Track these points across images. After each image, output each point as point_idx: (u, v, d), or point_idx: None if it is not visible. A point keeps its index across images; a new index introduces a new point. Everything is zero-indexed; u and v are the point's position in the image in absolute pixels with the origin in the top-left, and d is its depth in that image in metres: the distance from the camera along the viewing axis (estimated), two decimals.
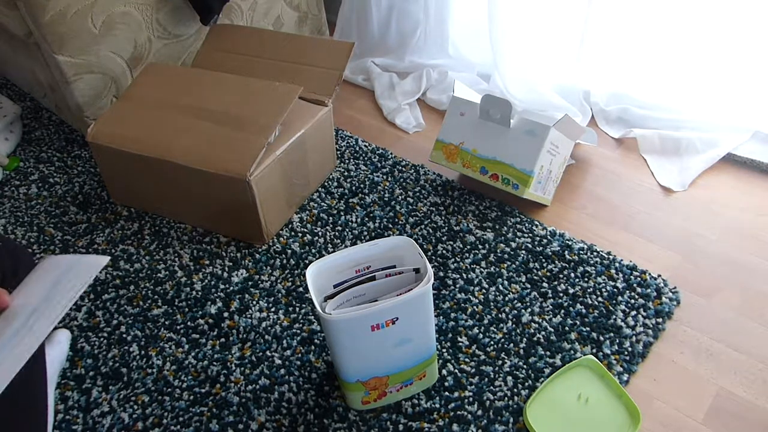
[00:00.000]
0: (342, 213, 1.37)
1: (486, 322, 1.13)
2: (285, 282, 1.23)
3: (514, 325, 1.12)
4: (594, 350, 1.07)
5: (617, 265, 1.21)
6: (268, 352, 1.11)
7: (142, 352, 1.12)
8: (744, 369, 1.04)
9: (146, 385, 1.07)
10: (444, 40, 1.75)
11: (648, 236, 1.28)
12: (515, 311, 1.14)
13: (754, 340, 1.08)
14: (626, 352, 1.06)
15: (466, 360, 1.07)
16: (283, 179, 1.28)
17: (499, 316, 1.14)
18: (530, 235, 1.28)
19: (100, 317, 1.18)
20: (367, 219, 1.35)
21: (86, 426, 1.01)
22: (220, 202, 1.25)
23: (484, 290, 1.18)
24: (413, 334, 0.90)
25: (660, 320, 1.11)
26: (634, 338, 1.08)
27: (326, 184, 1.45)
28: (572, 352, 1.07)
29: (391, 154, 1.53)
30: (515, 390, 1.02)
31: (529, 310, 1.14)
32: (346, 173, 1.47)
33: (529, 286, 1.19)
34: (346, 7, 1.85)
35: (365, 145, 1.55)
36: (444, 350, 1.09)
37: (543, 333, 1.10)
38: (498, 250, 1.26)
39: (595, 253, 1.23)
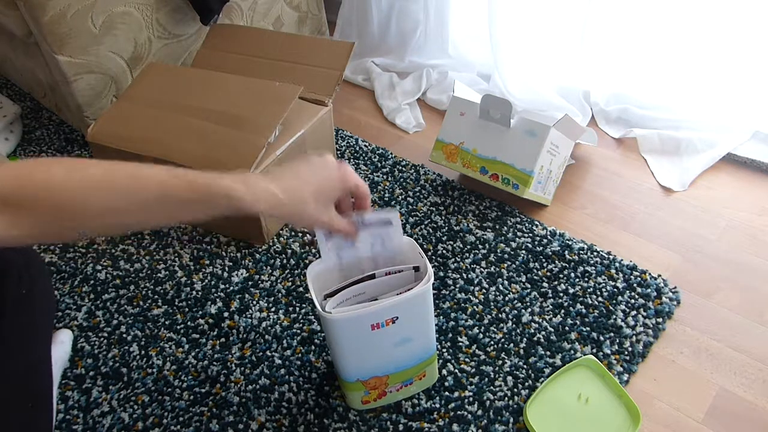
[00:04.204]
0: None
1: (486, 322, 1.13)
2: (285, 282, 1.23)
3: (514, 325, 1.12)
4: (594, 350, 1.07)
5: (617, 265, 1.21)
6: (268, 352, 1.11)
7: (142, 352, 1.12)
8: (744, 369, 1.04)
9: (146, 385, 1.07)
10: (444, 40, 1.75)
11: (648, 236, 1.28)
12: (515, 311, 1.14)
13: (754, 340, 1.08)
14: (626, 352, 1.06)
15: (466, 360, 1.07)
16: None
17: (499, 316, 1.14)
18: (530, 235, 1.28)
19: (100, 317, 1.18)
20: None
21: (86, 426, 1.01)
22: None
23: (484, 290, 1.18)
24: (413, 334, 0.90)
25: (660, 320, 1.11)
26: (634, 338, 1.08)
27: None
28: (572, 352, 1.07)
29: (391, 154, 1.53)
30: (515, 390, 1.02)
31: (529, 310, 1.14)
32: None
33: (529, 286, 1.19)
34: (346, 7, 1.86)
35: (365, 145, 1.55)
36: (444, 350, 1.09)
37: (543, 333, 1.10)
38: (498, 250, 1.26)
39: (595, 253, 1.23)
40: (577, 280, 1.19)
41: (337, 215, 0.78)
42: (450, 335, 1.11)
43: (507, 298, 1.16)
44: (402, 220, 1.34)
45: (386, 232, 0.85)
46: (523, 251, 1.25)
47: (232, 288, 1.22)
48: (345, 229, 0.80)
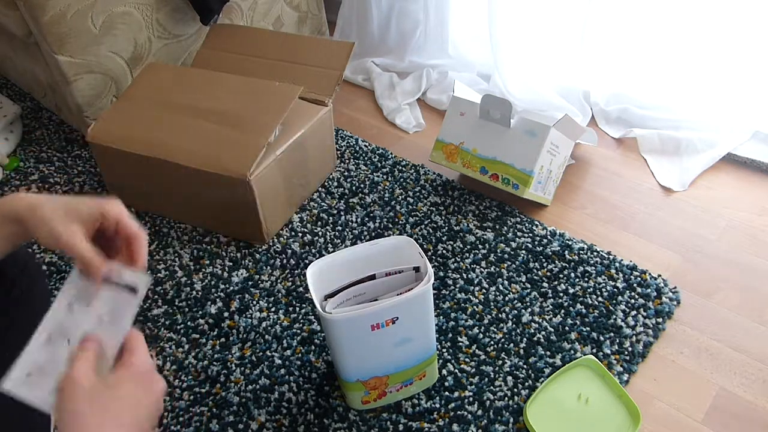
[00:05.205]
0: (342, 213, 1.37)
1: (486, 322, 1.13)
2: (285, 282, 1.23)
3: (514, 325, 1.12)
4: (594, 350, 1.07)
5: (617, 265, 1.21)
6: (268, 352, 1.11)
7: None
8: (744, 369, 1.04)
9: None
10: (444, 40, 1.75)
11: (648, 236, 1.28)
12: (515, 311, 1.14)
13: (754, 340, 1.08)
14: (626, 352, 1.06)
15: (466, 360, 1.07)
16: (283, 179, 1.28)
17: (499, 316, 1.14)
18: (530, 235, 1.28)
19: None
20: (367, 219, 1.35)
21: None
22: (220, 202, 1.25)
23: (484, 290, 1.18)
24: (413, 334, 0.90)
25: (660, 320, 1.11)
26: (634, 338, 1.08)
27: (326, 184, 1.45)
28: (572, 352, 1.07)
29: (391, 154, 1.53)
30: (515, 390, 1.02)
31: (529, 310, 1.14)
32: (346, 173, 1.47)
33: (529, 286, 1.19)
34: (346, 7, 1.85)
35: (365, 145, 1.55)
36: (444, 350, 1.09)
37: (543, 333, 1.10)
38: (498, 250, 1.26)
39: (595, 253, 1.23)
40: (577, 280, 1.19)
41: (87, 242, 0.61)
42: (450, 335, 1.11)
43: (507, 298, 1.16)
44: (402, 220, 1.34)
45: (125, 303, 0.63)
46: (523, 251, 1.25)
47: (232, 288, 1.22)
48: (88, 257, 0.60)
